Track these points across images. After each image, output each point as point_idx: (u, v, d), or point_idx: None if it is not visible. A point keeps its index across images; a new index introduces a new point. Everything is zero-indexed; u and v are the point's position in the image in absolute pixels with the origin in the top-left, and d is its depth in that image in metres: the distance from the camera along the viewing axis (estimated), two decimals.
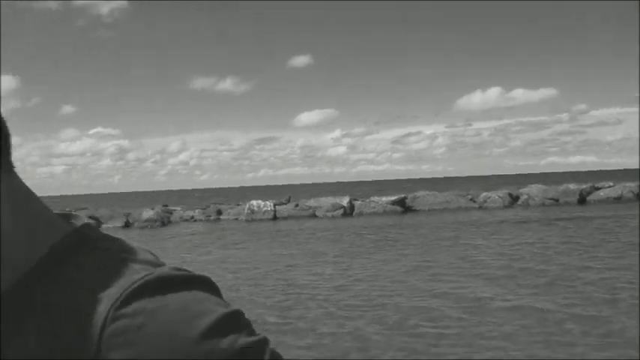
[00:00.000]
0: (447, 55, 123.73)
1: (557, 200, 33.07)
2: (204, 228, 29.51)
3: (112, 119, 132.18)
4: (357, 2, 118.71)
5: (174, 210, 37.46)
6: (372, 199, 34.27)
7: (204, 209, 36.27)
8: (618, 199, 33.04)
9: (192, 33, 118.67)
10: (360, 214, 32.54)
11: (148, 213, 33.51)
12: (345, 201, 33.65)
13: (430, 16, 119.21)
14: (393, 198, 33.83)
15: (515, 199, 34.11)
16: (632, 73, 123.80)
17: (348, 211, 32.88)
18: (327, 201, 34.22)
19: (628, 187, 34.17)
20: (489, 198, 33.45)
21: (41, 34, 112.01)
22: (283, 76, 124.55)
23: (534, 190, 34.72)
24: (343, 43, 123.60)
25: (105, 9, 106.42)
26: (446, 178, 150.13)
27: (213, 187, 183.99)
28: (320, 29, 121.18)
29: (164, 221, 33.18)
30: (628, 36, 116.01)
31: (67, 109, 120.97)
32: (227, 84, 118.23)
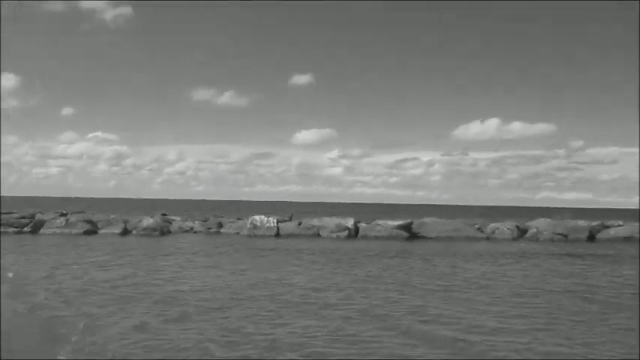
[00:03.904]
0: (448, 82, 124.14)
1: (566, 236, 32.37)
2: (204, 240, 28.56)
3: (111, 124, 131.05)
4: (361, 24, 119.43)
5: (174, 220, 36.52)
6: (377, 222, 33.44)
7: (205, 221, 35.34)
8: (628, 239, 32.41)
9: (196, 44, 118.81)
10: (365, 236, 31.69)
11: (147, 221, 32.56)
12: (349, 222, 32.83)
13: (433, 43, 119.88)
14: (399, 222, 33.03)
15: (523, 232, 33.41)
16: (631, 114, 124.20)
17: (353, 233, 32.05)
18: (331, 221, 33.40)
19: (638, 227, 33.54)
20: (497, 229, 32.71)
21: (45, 35, 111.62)
22: (283, 93, 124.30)
23: (542, 224, 34.00)
24: (345, 64, 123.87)
25: (110, 14, 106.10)
26: (441, 206, 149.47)
27: (209, 198, 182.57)
28: (323, 49, 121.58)
29: (163, 230, 32.22)
30: (629, 77, 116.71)
31: (67, 111, 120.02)
32: (227, 97, 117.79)
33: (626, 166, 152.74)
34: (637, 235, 32.55)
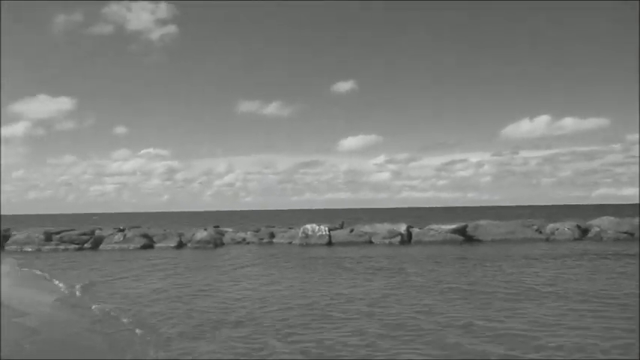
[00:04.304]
0: (494, 81, 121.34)
1: (632, 234, 30.82)
2: (259, 250, 28.64)
3: (162, 140, 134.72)
4: (402, 27, 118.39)
5: (226, 231, 36.88)
6: (430, 226, 32.75)
7: (257, 232, 35.51)
8: None
9: (239, 57, 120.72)
10: (419, 241, 31.09)
11: (201, 234, 33.00)
12: (402, 228, 32.28)
13: (477, 42, 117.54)
14: (454, 226, 32.23)
15: (584, 231, 32.02)
16: None
17: (406, 239, 31.50)
18: (383, 227, 32.92)
19: None
20: (557, 230, 31.46)
21: (96, 57, 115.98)
22: (327, 101, 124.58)
23: (605, 222, 32.47)
24: (387, 68, 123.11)
25: (156, 34, 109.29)
26: (493, 207, 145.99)
27: (258, 209, 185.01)
28: (364, 55, 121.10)
29: (217, 242, 32.57)
30: None
31: (120, 129, 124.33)
32: (272, 108, 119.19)
33: None
34: None
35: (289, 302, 13.36)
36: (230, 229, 38.25)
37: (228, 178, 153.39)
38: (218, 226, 39.65)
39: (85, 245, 31.65)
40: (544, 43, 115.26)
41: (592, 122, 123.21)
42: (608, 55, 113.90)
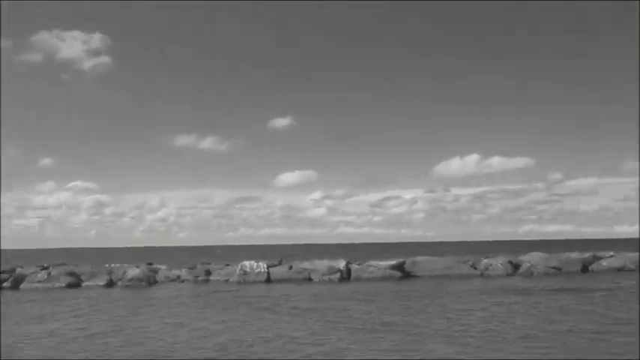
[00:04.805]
0: (427, 120, 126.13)
1: (560, 269, 32.10)
2: (194, 289, 27.57)
3: (91, 173, 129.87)
4: (338, 63, 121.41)
5: (160, 269, 35.43)
6: (369, 263, 32.83)
7: (192, 269, 34.29)
8: (621, 270, 32.26)
9: (174, 90, 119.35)
10: (358, 278, 31.01)
11: (133, 271, 31.50)
12: (341, 264, 32.14)
13: (408, 82, 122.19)
14: (392, 262, 32.45)
15: (516, 267, 33.03)
16: (607, 144, 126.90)
17: (345, 275, 31.35)
18: (322, 264, 32.64)
19: (630, 258, 33.49)
20: (491, 265, 32.28)
21: (23, 86, 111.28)
22: (265, 136, 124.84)
23: (535, 257, 33.71)
24: (324, 105, 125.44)
25: (88, 64, 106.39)
26: (427, 243, 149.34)
27: (192, 245, 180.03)
28: (302, 90, 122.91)
29: (150, 280, 31.15)
30: (603, 108, 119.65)
31: (46, 161, 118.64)
32: (208, 142, 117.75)
33: (607, 196, 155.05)
34: (632, 266, 32.46)
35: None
36: (164, 267, 36.81)
37: (161, 213, 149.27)
38: (151, 264, 38.05)
39: (4, 285, 29.42)
40: (471, 82, 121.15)
41: (519, 161, 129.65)
42: (531, 98, 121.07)
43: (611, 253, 34.78)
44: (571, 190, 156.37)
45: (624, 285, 24.52)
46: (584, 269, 32.55)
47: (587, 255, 33.86)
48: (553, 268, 32.23)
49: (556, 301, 19.72)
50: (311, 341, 13.00)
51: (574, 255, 33.74)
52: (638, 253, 34.22)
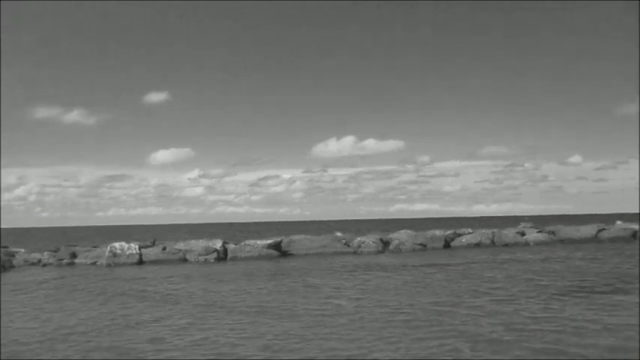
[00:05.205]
0: (305, 101, 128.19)
1: (425, 245, 34.38)
2: (60, 273, 25.74)
3: None
4: (219, 41, 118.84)
5: (17, 252, 32.66)
6: (246, 242, 32.79)
7: (55, 252, 32.00)
8: (478, 245, 35.34)
9: (36, 56, 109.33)
10: (235, 258, 30.87)
11: None
12: (218, 244, 31.77)
13: (291, 61, 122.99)
14: (269, 242, 32.69)
15: (386, 244, 34.83)
16: (468, 130, 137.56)
17: (222, 255, 31.05)
18: (198, 244, 32.04)
19: (485, 234, 36.74)
20: (363, 243, 33.73)
21: None
22: (138, 111, 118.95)
23: (404, 235, 35.81)
24: (202, 81, 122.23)
25: None
26: (304, 222, 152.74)
27: (56, 225, 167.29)
28: (179, 65, 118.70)
29: (5, 266, 28.57)
30: (468, 98, 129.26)
31: None
32: (74, 116, 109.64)
33: (467, 178, 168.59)
34: (486, 242, 35.66)
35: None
36: (22, 250, 33.99)
37: (19, 191, 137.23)
38: (7, 246, 34.94)
39: None
40: (352, 65, 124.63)
41: (390, 144, 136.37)
42: (404, 85, 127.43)
43: (470, 230, 37.90)
44: (437, 171, 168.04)
45: (477, 259, 26.86)
46: (446, 245, 35.21)
47: (449, 232, 36.61)
48: (419, 244, 34.44)
49: (421, 276, 21.10)
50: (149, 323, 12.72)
51: (438, 232, 36.31)
52: (491, 230, 37.72)
